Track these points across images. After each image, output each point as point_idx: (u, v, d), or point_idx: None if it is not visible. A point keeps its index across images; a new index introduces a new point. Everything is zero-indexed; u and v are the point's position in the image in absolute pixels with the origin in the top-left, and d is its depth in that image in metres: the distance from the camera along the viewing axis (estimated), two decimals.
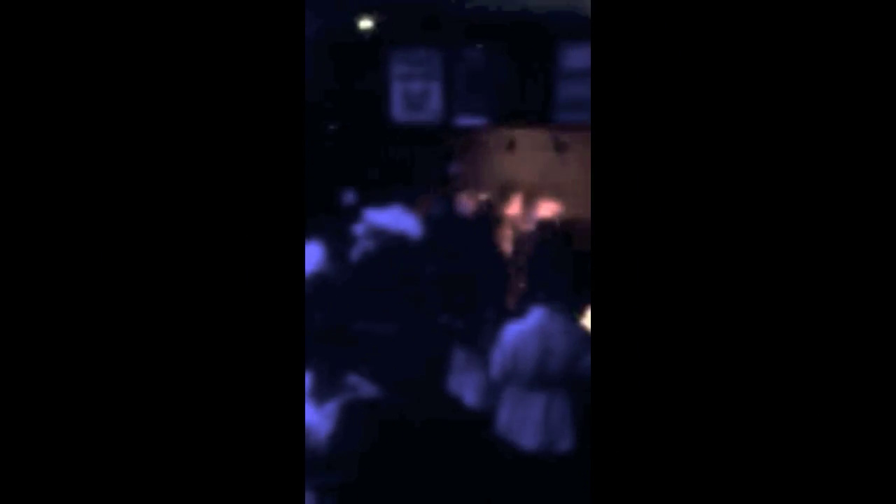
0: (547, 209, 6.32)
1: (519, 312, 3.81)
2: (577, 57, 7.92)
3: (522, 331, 3.62)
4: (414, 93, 8.68)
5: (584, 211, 6.62)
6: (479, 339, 3.96)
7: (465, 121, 8.59)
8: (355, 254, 5.66)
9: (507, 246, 6.16)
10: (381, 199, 6.04)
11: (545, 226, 5.95)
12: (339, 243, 5.58)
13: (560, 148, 7.90)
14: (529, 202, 6.87)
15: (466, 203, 6.93)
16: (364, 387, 3.57)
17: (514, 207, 6.92)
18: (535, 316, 3.62)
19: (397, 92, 8.68)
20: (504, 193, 7.36)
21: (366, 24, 8.24)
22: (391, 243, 5.69)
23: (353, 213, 6.03)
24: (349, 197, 6.37)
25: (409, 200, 6.33)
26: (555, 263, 3.88)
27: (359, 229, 5.82)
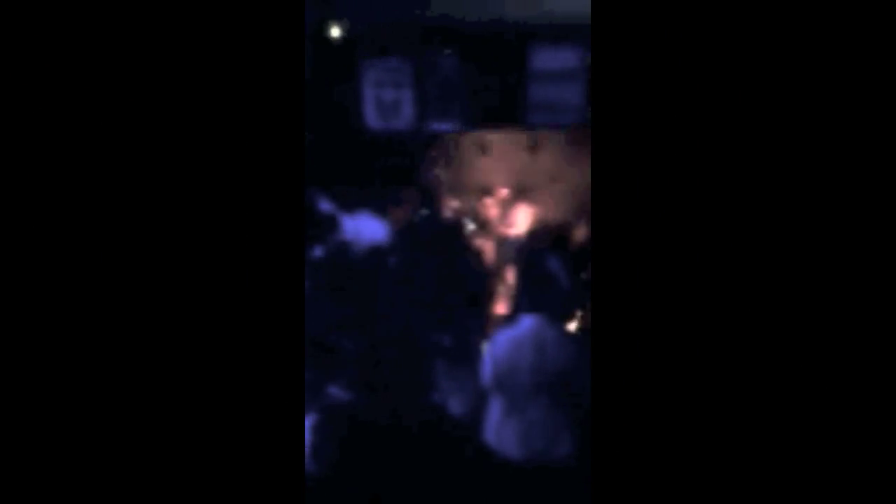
0: (527, 213, 6.29)
1: (508, 320, 3.75)
2: (547, 59, 7.95)
3: (513, 338, 3.56)
4: (386, 99, 8.64)
5: (564, 213, 6.63)
6: (466, 350, 3.91)
7: (438, 126, 8.57)
8: (330, 260, 5.60)
9: (488, 252, 6.11)
10: (355, 206, 6.00)
11: (536, 231, 5.91)
12: (316, 251, 5.53)
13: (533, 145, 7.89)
14: (508, 207, 6.85)
15: (442, 210, 6.89)
16: (347, 398, 3.53)
17: (492, 212, 6.89)
18: (527, 323, 3.57)
19: (369, 99, 8.63)
20: (480, 198, 7.34)
21: (335, 32, 8.20)
22: (363, 250, 5.66)
23: (329, 221, 5.97)
24: (324, 205, 6.31)
25: (379, 207, 6.30)
26: (544, 269, 3.84)
27: (334, 236, 5.78)
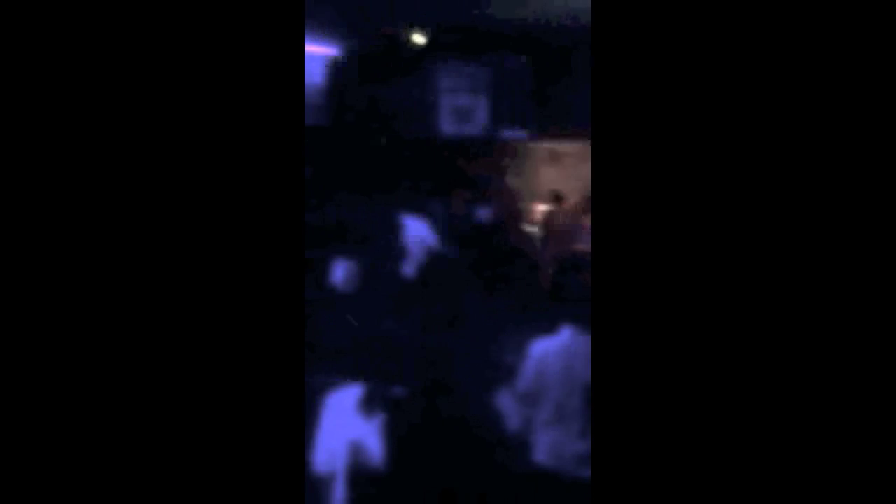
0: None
1: (550, 329, 3.73)
2: None
3: (547, 349, 3.54)
4: (459, 106, 8.70)
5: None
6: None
7: (509, 133, 8.59)
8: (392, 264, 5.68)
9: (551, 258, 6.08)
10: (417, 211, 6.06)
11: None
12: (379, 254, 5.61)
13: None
14: (577, 216, 6.81)
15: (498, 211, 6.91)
16: (407, 397, 3.58)
17: (560, 221, 6.86)
18: (564, 335, 3.54)
19: (443, 105, 8.71)
20: (548, 206, 7.33)
21: (418, 38, 8.28)
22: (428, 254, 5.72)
23: (393, 226, 6.04)
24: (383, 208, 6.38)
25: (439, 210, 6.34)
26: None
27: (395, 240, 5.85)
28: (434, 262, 5.46)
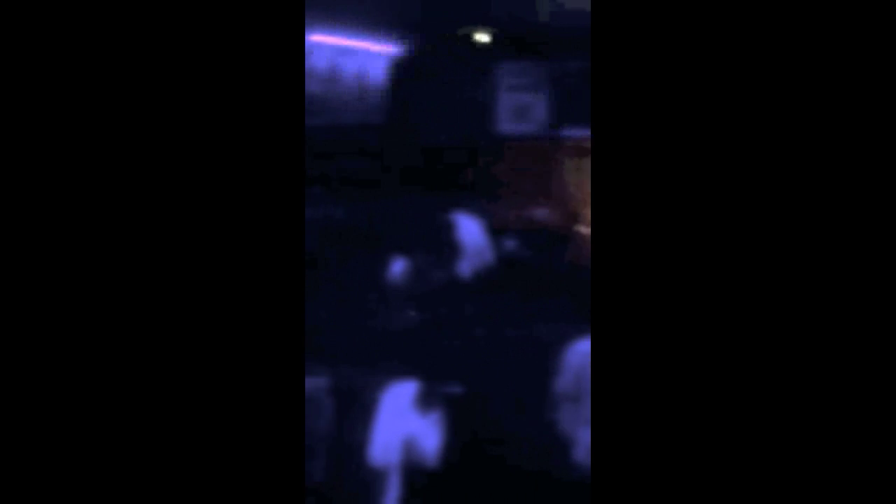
0: None
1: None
2: None
3: (583, 349, 3.56)
4: (519, 104, 8.66)
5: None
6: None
7: (570, 132, 8.51)
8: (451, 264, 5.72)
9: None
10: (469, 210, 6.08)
11: None
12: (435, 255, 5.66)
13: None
14: None
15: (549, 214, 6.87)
16: (461, 394, 3.64)
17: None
18: None
19: (503, 103, 8.68)
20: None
21: (482, 37, 8.28)
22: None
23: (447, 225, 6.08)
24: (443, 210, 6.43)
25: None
26: None
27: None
28: (487, 263, 5.50)
